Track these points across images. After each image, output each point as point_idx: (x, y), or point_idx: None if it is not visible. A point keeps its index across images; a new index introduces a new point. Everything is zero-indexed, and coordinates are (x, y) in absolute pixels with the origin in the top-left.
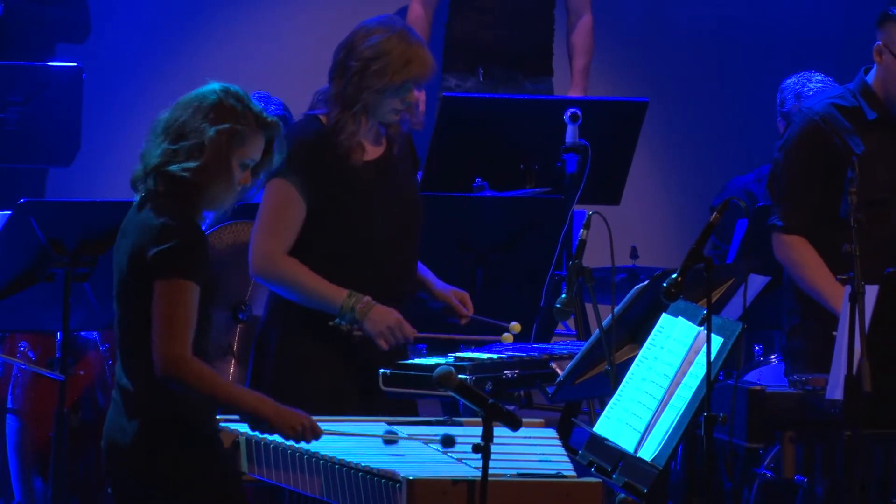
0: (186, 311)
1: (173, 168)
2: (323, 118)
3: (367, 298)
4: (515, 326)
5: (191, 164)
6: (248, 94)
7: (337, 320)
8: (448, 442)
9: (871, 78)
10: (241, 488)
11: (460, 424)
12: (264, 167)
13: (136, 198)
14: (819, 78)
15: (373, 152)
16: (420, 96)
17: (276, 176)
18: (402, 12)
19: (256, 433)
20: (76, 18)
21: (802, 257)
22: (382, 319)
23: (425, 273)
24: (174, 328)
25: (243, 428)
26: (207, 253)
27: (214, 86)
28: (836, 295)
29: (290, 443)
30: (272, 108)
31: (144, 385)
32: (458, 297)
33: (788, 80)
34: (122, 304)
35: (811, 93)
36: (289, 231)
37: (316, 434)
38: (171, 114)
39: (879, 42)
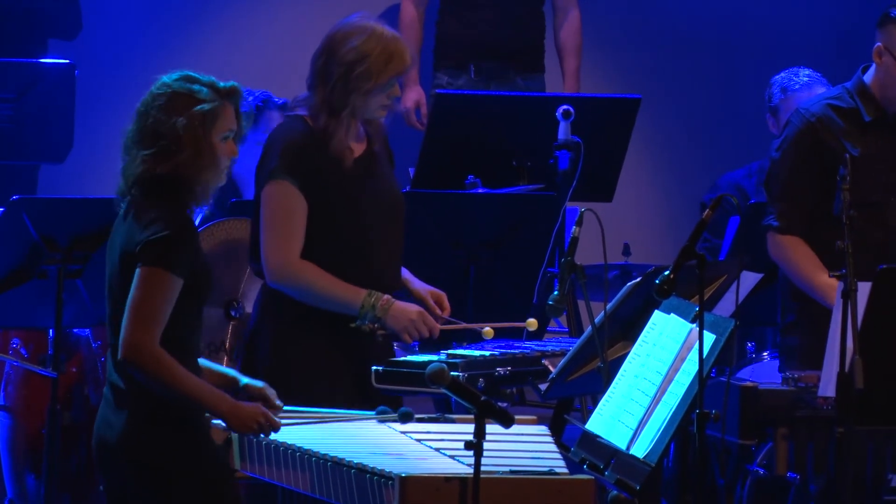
0: (160, 300)
1: (158, 171)
2: (308, 119)
3: (387, 296)
4: (488, 332)
5: (174, 160)
6: (196, 73)
7: (358, 322)
8: (406, 417)
9: (868, 78)
10: (233, 485)
11: (452, 421)
12: (239, 134)
13: (122, 206)
14: (807, 73)
15: (357, 150)
16: (421, 98)
17: (273, 178)
18: (394, 10)
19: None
20: (67, 13)
21: (797, 256)
22: (405, 314)
23: (403, 272)
24: (143, 315)
25: None
26: (196, 248)
27: (163, 79)
28: (831, 292)
29: (283, 440)
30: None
31: (134, 381)
32: (434, 297)
33: (776, 76)
34: (113, 301)
35: (798, 86)
36: (298, 233)
37: (274, 427)
38: (137, 123)
39: (879, 43)
